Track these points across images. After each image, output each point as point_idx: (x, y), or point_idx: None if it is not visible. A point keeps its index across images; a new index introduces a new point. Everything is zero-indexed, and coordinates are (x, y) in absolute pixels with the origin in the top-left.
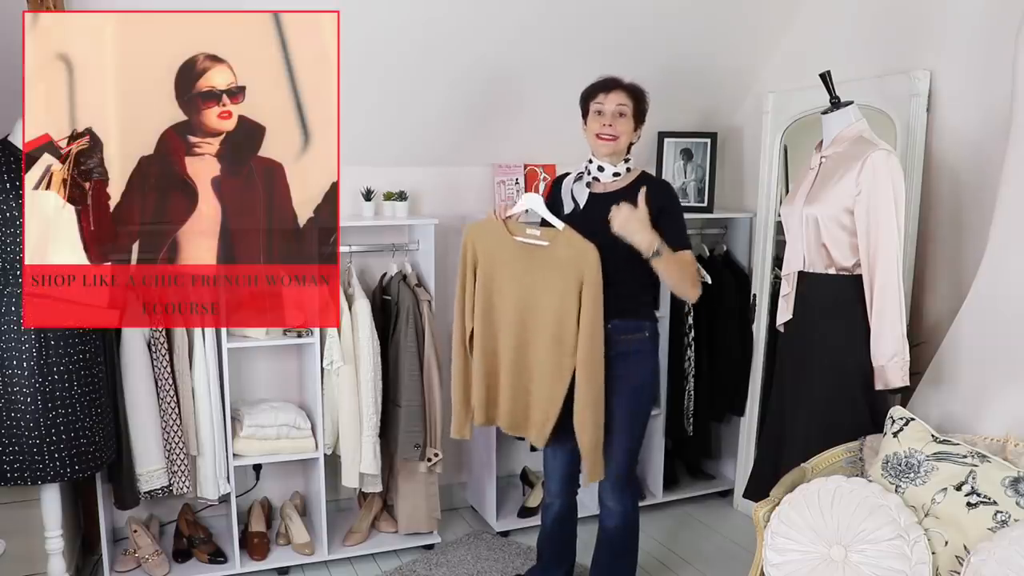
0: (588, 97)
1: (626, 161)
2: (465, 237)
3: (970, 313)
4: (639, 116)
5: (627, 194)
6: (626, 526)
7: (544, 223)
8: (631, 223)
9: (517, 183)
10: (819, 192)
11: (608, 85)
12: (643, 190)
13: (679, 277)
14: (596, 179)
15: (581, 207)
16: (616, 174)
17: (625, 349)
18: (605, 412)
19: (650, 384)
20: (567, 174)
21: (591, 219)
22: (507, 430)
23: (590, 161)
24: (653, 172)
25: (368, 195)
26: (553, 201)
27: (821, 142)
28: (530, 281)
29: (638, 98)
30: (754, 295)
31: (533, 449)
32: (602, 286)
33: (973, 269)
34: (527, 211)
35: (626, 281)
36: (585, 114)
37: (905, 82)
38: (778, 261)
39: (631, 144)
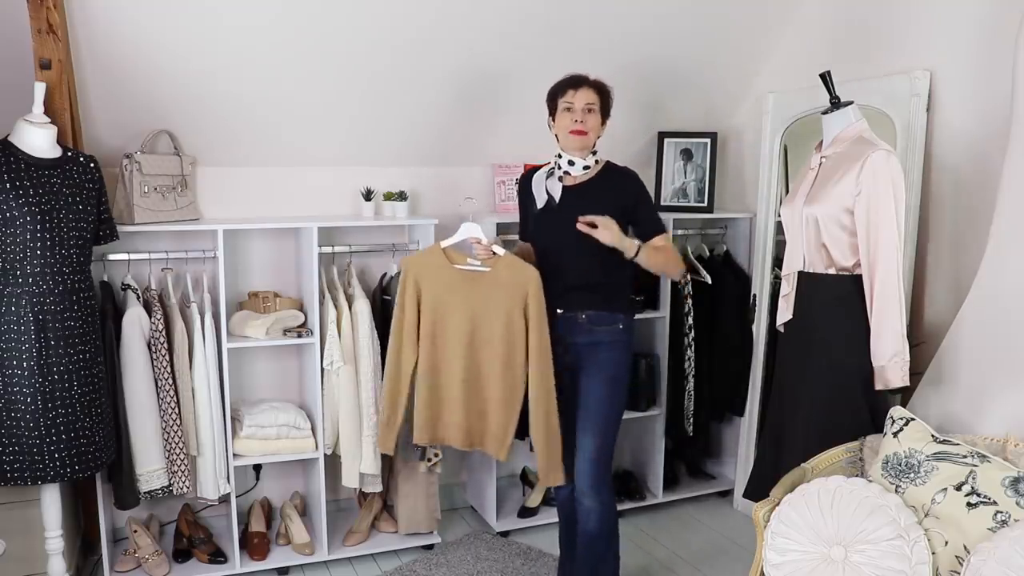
0: (556, 94)
1: (593, 154)
2: (404, 271)
3: (970, 313)
4: (605, 111)
5: (596, 185)
6: (605, 526)
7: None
8: (610, 238)
9: (517, 183)
10: (819, 192)
11: (577, 82)
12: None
13: (662, 264)
14: (567, 173)
15: (558, 201)
16: (586, 167)
17: (598, 339)
18: (579, 405)
19: (624, 376)
20: (534, 170)
21: (568, 211)
22: (461, 446)
23: (559, 156)
24: (653, 172)
25: (368, 195)
26: (524, 198)
27: (821, 142)
28: (477, 305)
29: (604, 94)
30: (754, 295)
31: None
32: (544, 304)
33: (973, 269)
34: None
35: (600, 275)
36: (553, 111)
37: (905, 82)
38: (778, 261)
39: (597, 137)
